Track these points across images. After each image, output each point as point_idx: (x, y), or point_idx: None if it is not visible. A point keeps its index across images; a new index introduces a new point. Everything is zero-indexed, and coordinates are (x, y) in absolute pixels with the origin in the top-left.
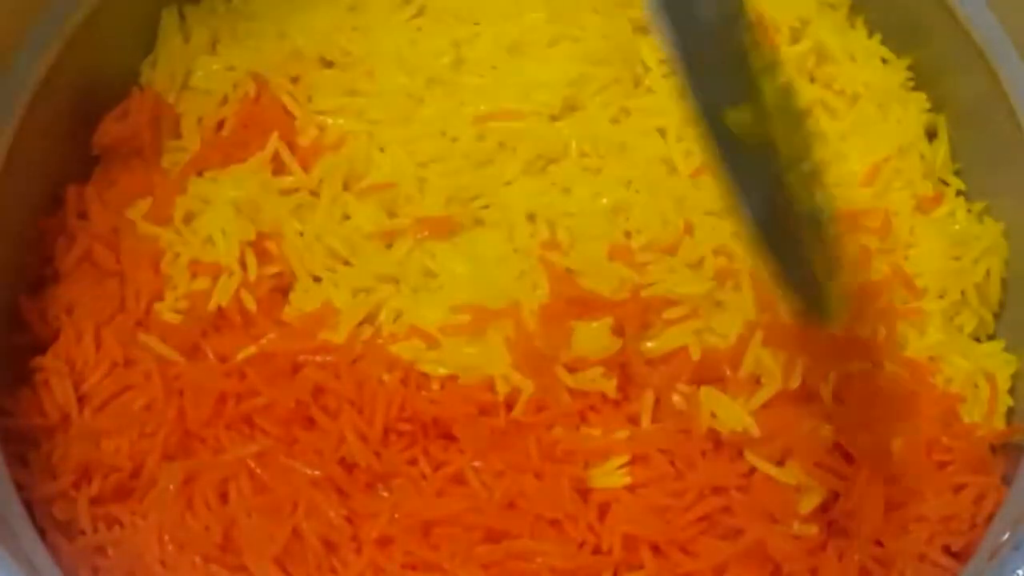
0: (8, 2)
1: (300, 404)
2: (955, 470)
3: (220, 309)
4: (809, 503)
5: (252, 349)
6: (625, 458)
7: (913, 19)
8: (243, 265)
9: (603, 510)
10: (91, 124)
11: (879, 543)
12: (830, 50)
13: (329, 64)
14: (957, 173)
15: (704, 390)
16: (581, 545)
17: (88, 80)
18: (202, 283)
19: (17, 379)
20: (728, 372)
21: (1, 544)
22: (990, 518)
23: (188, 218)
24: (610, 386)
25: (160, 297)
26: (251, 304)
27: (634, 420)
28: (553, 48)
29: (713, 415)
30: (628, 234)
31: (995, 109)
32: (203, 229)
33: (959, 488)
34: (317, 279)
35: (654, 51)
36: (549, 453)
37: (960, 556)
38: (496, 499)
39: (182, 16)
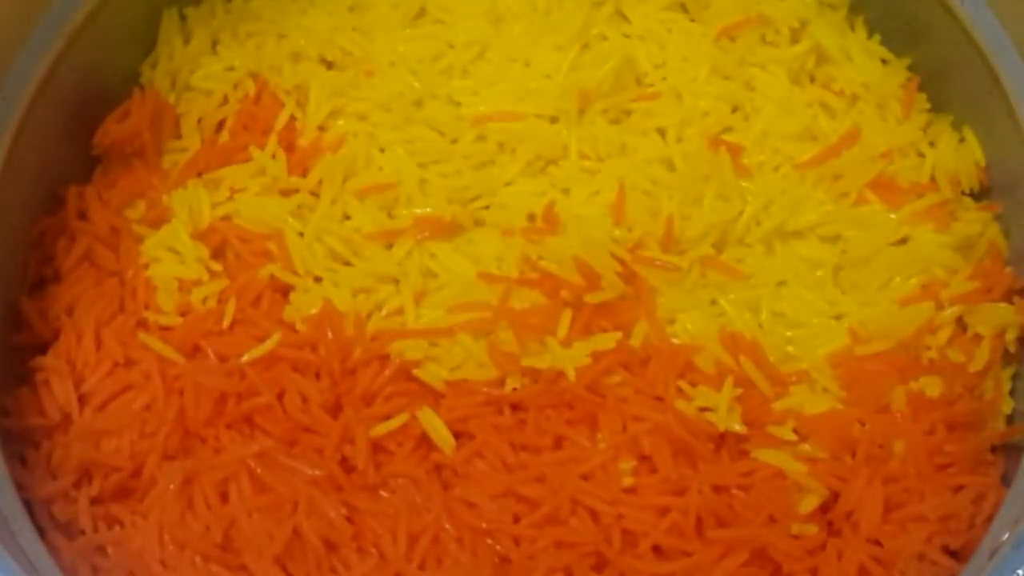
0: (8, 3)
1: (300, 404)
2: (955, 471)
3: (219, 311)
4: (809, 503)
5: (256, 351)
6: (629, 457)
7: (913, 19)
8: (212, 273)
9: (606, 509)
10: (91, 124)
11: (878, 543)
12: (829, 51)
13: (329, 65)
14: None
15: (701, 389)
16: (584, 544)
17: (88, 80)
18: (183, 292)
19: (17, 379)
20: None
21: (1, 544)
22: (990, 518)
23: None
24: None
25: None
26: (231, 309)
27: (637, 419)
28: (553, 50)
29: (705, 411)
30: (628, 230)
31: (995, 108)
32: (167, 241)
33: (958, 488)
34: (318, 279)
35: (653, 54)
36: (553, 452)
37: (959, 556)
38: (500, 499)
39: (182, 17)
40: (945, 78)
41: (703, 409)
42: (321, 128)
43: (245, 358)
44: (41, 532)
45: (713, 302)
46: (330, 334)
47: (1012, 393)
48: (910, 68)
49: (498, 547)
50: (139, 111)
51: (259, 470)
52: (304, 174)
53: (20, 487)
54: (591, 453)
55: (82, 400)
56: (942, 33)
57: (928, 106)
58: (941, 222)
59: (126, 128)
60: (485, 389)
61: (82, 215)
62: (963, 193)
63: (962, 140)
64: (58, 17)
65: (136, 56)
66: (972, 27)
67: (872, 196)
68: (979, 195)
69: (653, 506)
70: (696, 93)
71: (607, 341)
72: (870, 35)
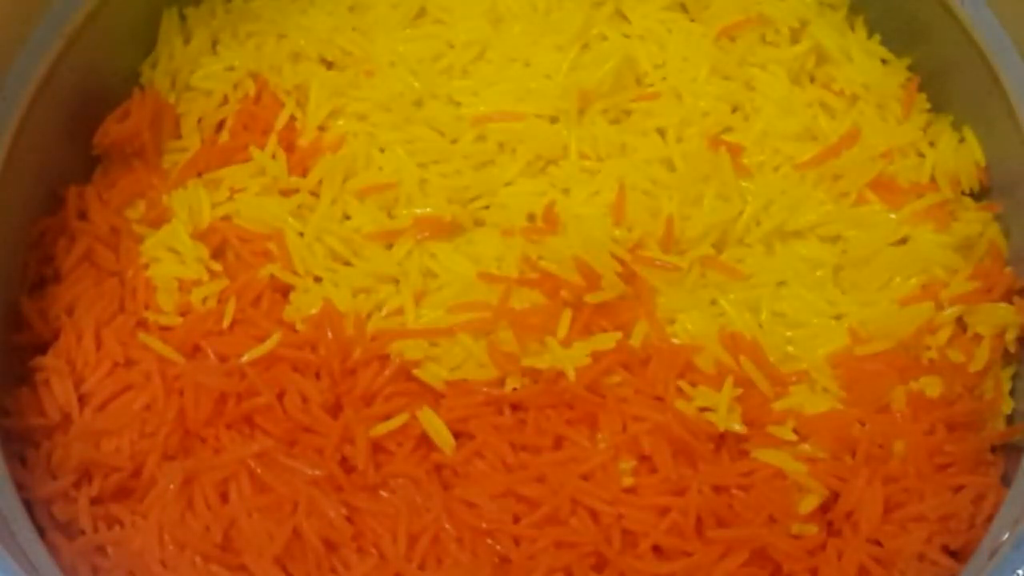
0: (9, 3)
1: (301, 404)
2: (955, 471)
3: (219, 311)
4: (809, 503)
5: (255, 350)
6: (629, 457)
7: (913, 19)
8: (212, 273)
9: (606, 509)
10: (91, 124)
11: (878, 543)
12: (829, 51)
13: (329, 65)
14: None
15: (701, 389)
16: (584, 544)
17: (88, 80)
18: (183, 292)
19: (17, 379)
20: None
21: (1, 544)
22: (990, 518)
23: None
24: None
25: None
26: (231, 309)
27: (637, 419)
28: (553, 50)
29: (705, 411)
30: (628, 230)
31: (995, 108)
32: (167, 241)
33: (958, 488)
34: (318, 279)
35: (653, 54)
36: (553, 452)
37: (959, 555)
38: (500, 499)
39: (182, 17)
40: (945, 78)
41: (703, 409)
42: (321, 128)
43: (245, 358)
44: (41, 532)
45: (713, 302)
46: (330, 334)
47: (1012, 393)
48: (910, 68)
49: (498, 547)
50: (139, 111)
51: (259, 470)
52: (304, 174)
53: (20, 487)
54: (591, 453)
55: (82, 400)
56: (942, 33)
57: (928, 106)
58: (941, 222)
59: (126, 128)
60: (485, 389)
61: (82, 215)
62: (963, 193)
63: (962, 140)
64: (58, 17)
65: (136, 56)
66: (972, 27)
67: (872, 196)
68: (979, 195)
69: (653, 506)
70: (696, 93)
71: (607, 341)
72: (870, 35)
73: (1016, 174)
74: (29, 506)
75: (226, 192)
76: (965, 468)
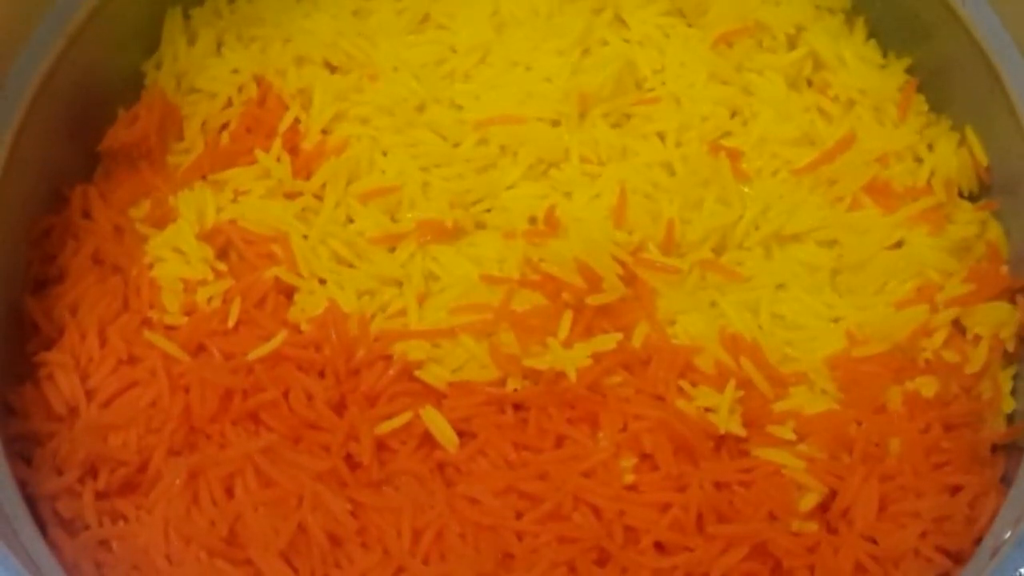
0: (10, 1)
1: (306, 401)
2: (951, 469)
3: (224, 311)
4: (809, 501)
5: (261, 349)
6: (630, 455)
7: (914, 19)
8: (217, 273)
9: (608, 505)
10: (93, 123)
11: (874, 540)
12: (825, 57)
13: (333, 69)
14: None
15: (701, 389)
16: (586, 539)
17: (90, 79)
18: (188, 292)
19: (21, 378)
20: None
21: (3, 541)
22: (988, 517)
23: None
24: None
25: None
26: (236, 309)
27: (638, 417)
28: (554, 54)
29: (707, 411)
30: (629, 233)
31: (996, 107)
32: (172, 241)
33: (956, 489)
34: (322, 281)
35: (653, 59)
36: (555, 450)
37: (955, 552)
38: (502, 496)
39: (186, 16)
40: (946, 77)
41: (704, 409)
42: (325, 132)
43: (250, 356)
44: (43, 530)
45: (713, 304)
46: (334, 335)
47: (1013, 393)
48: (911, 68)
49: (501, 542)
50: (148, 115)
51: (264, 465)
52: (308, 177)
53: (24, 484)
54: (592, 451)
55: (87, 396)
56: (943, 32)
57: (927, 108)
58: (936, 225)
59: (134, 132)
60: (487, 389)
61: (85, 214)
62: (961, 196)
63: (962, 141)
64: (60, 15)
65: (138, 54)
66: (973, 26)
67: (867, 200)
68: (979, 195)
69: (654, 502)
70: (695, 98)
71: (608, 342)
72: (871, 35)
73: (1017, 173)
74: (32, 504)
75: (230, 194)
76: (962, 466)
